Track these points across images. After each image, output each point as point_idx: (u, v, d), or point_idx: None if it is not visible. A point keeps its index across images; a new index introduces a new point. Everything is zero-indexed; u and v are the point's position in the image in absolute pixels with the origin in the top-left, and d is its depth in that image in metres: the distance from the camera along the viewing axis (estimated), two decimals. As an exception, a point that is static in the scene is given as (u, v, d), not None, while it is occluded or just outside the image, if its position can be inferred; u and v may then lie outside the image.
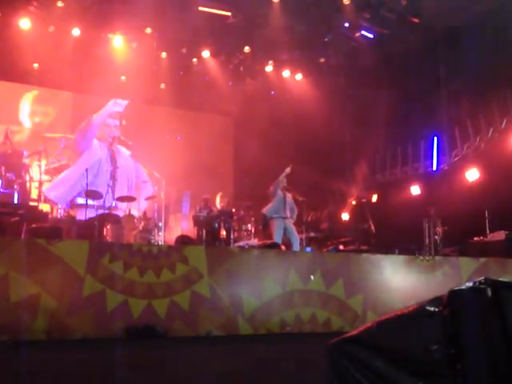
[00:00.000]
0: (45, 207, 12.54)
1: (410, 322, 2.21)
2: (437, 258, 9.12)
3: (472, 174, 12.97)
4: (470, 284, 2.16)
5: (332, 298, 7.81)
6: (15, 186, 11.95)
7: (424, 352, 2.12)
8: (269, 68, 16.83)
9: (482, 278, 2.18)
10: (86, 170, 10.98)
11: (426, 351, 2.11)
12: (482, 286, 2.11)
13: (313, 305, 7.66)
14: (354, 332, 2.39)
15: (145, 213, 12.35)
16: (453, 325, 2.09)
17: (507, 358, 2.01)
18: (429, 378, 2.11)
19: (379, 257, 8.64)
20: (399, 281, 8.34)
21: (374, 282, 8.19)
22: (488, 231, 10.94)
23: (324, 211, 16.02)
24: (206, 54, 15.87)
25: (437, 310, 2.15)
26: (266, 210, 11.25)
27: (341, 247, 11.78)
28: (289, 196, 11.39)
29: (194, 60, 16.18)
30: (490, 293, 2.09)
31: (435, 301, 2.19)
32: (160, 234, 11.89)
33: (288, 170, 11.19)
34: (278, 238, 10.79)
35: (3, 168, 12.10)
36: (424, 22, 14.09)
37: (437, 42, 14.73)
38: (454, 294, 2.14)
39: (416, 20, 14.13)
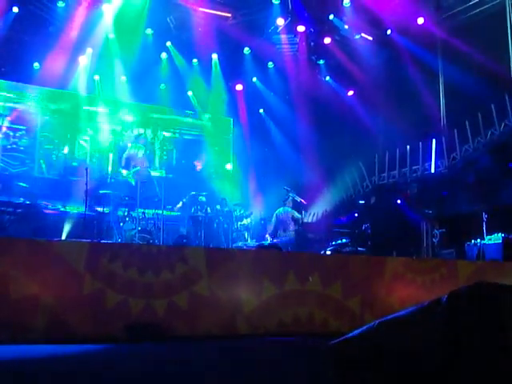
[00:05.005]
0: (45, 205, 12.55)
1: (411, 323, 2.25)
2: (434, 260, 9.14)
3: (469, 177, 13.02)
4: (469, 287, 2.19)
5: (330, 298, 7.83)
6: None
7: (424, 353, 2.15)
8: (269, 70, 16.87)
9: (481, 280, 2.22)
10: (86, 169, 10.96)
11: (426, 352, 2.14)
12: (481, 289, 2.15)
13: (310, 305, 7.67)
14: (355, 333, 2.42)
15: (144, 213, 12.37)
16: (452, 327, 2.12)
17: (506, 360, 2.04)
18: (429, 378, 2.14)
19: (377, 258, 8.65)
20: (397, 283, 8.36)
21: (372, 283, 8.21)
22: (485, 234, 10.99)
23: (322, 212, 16.04)
24: (205, 54, 15.89)
25: (436, 311, 2.19)
26: None
27: (338, 249, 11.82)
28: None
29: (195, 61, 16.19)
30: (488, 296, 2.13)
31: (435, 303, 2.23)
32: (159, 234, 11.93)
33: None
34: None
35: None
36: (424, 24, 14.19)
37: (436, 43, 14.80)
38: (454, 296, 2.18)
39: (416, 22, 14.21)
